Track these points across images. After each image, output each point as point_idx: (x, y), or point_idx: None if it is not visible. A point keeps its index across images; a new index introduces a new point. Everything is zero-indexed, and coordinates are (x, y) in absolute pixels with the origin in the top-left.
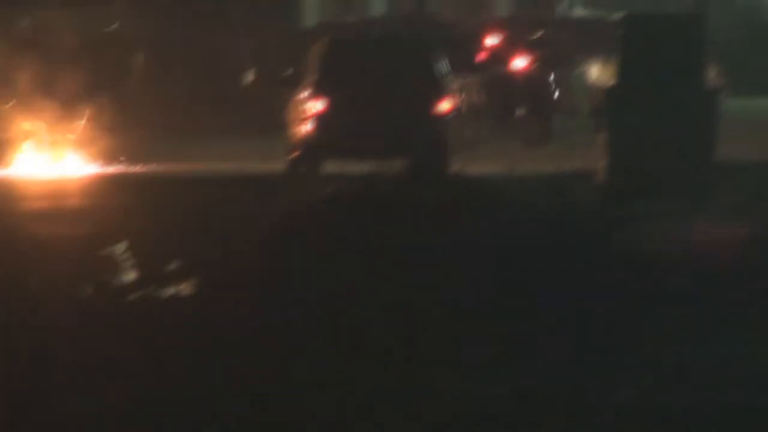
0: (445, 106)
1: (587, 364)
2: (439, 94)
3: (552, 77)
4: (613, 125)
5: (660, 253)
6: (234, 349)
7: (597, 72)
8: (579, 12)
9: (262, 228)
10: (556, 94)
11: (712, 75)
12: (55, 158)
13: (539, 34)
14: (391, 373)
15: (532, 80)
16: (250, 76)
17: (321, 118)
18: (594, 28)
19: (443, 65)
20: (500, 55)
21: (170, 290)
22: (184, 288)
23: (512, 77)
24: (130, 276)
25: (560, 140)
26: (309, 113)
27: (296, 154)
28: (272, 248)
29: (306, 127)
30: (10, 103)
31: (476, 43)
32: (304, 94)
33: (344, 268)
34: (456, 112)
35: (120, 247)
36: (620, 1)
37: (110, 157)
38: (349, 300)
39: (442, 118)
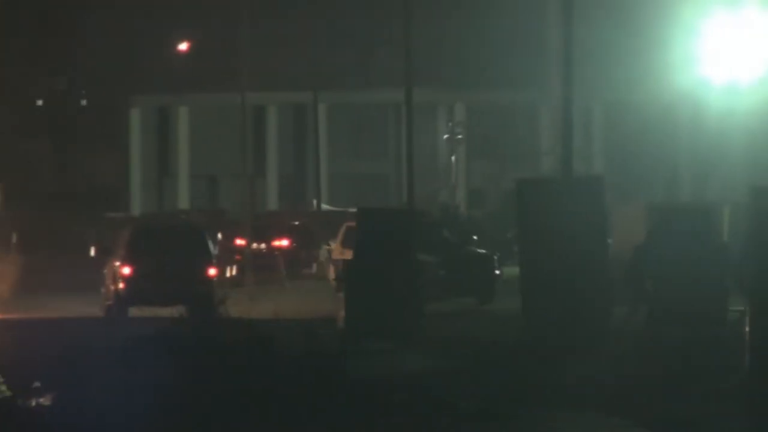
0: (211, 272)
1: None
2: (208, 264)
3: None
4: (349, 288)
5: (383, 378)
6: None
7: (340, 249)
8: (326, 207)
9: (97, 357)
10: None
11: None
12: None
13: (300, 222)
14: None
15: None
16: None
17: (127, 279)
18: (338, 217)
19: (211, 245)
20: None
21: (33, 401)
22: (44, 400)
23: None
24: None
25: (316, 295)
26: (120, 275)
27: (110, 303)
28: (108, 373)
29: (118, 285)
30: None
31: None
32: (118, 262)
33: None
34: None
35: None
36: (354, 199)
37: None
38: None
39: (209, 279)
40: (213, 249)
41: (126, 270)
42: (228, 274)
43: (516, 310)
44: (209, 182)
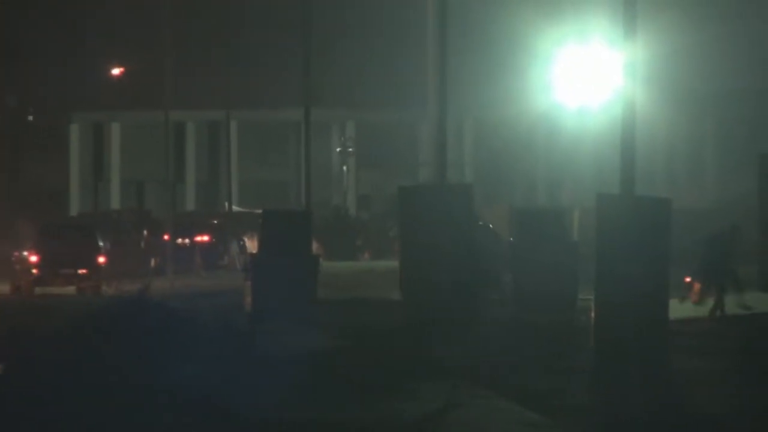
0: (100, 260)
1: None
2: (98, 253)
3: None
4: (255, 277)
5: (285, 354)
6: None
7: (248, 243)
8: (236, 208)
9: (34, 335)
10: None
11: (315, 246)
12: None
13: (216, 221)
14: None
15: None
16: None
17: (35, 264)
18: (246, 217)
19: (101, 239)
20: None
21: None
22: None
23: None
24: None
25: (227, 284)
26: (28, 261)
27: (19, 284)
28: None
29: (27, 269)
30: None
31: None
32: (26, 251)
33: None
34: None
35: None
36: (262, 201)
37: None
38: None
39: (98, 265)
40: (102, 242)
41: (33, 258)
42: (152, 265)
43: (396, 299)
44: (137, 187)
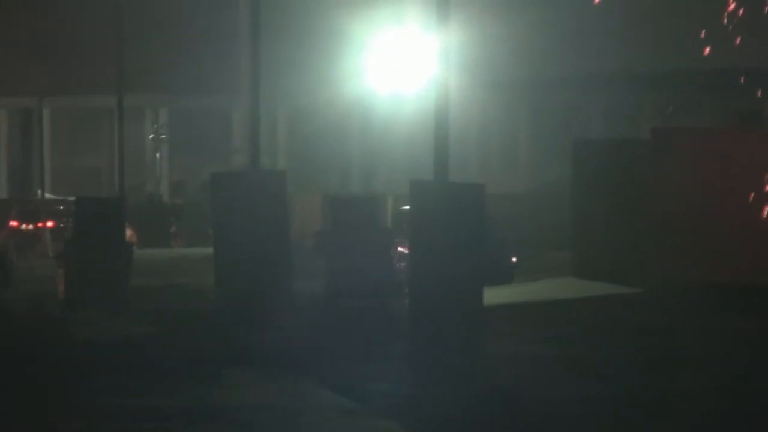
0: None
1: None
2: None
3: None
4: (68, 264)
5: (100, 341)
6: None
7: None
8: (49, 196)
9: None
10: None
11: (129, 233)
12: None
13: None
14: None
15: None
16: None
17: None
18: (61, 204)
19: None
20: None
21: None
22: None
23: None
24: None
25: (40, 272)
26: None
27: None
28: None
29: None
30: None
31: None
32: None
33: None
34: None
35: None
36: (76, 188)
37: None
38: None
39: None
40: None
41: None
42: None
43: (210, 286)
44: None
